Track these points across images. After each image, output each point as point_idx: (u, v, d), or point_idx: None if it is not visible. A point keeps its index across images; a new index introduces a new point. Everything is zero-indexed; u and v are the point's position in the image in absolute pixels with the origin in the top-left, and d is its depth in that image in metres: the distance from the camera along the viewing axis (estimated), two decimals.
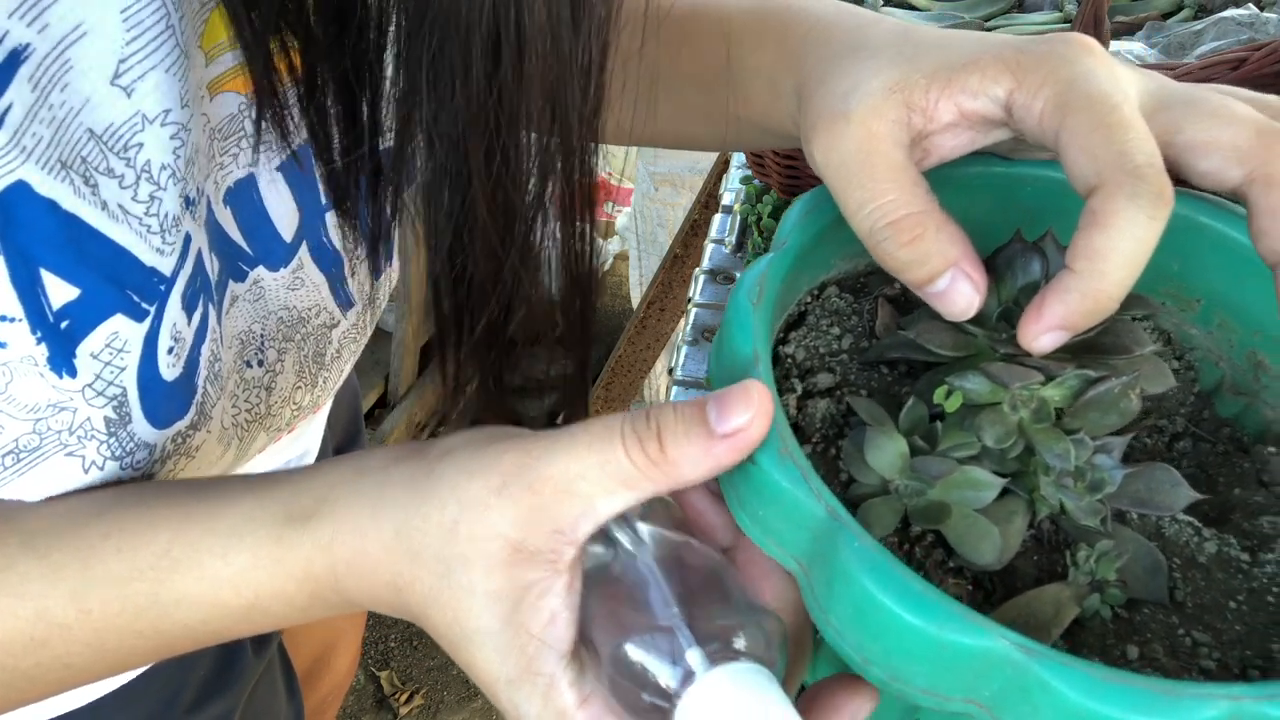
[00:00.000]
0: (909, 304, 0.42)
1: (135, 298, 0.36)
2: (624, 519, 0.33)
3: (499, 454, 0.32)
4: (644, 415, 0.32)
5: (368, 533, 0.33)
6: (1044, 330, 0.32)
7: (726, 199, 0.84)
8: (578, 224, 0.39)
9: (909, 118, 0.34)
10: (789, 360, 0.39)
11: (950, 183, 0.42)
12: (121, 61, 0.33)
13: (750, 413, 0.30)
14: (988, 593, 0.34)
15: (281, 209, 0.44)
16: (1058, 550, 0.35)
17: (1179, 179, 0.34)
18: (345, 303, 0.51)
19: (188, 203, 0.37)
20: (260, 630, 0.36)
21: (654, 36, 0.46)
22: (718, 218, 0.81)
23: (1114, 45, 0.72)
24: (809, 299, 0.41)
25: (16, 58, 0.30)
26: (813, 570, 0.31)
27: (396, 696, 1.66)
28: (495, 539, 0.31)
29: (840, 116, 0.34)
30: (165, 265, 0.37)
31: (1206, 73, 0.59)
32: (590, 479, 0.31)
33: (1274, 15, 0.69)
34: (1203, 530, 0.35)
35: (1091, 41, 0.34)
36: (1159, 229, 0.30)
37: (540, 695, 0.31)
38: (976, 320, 0.36)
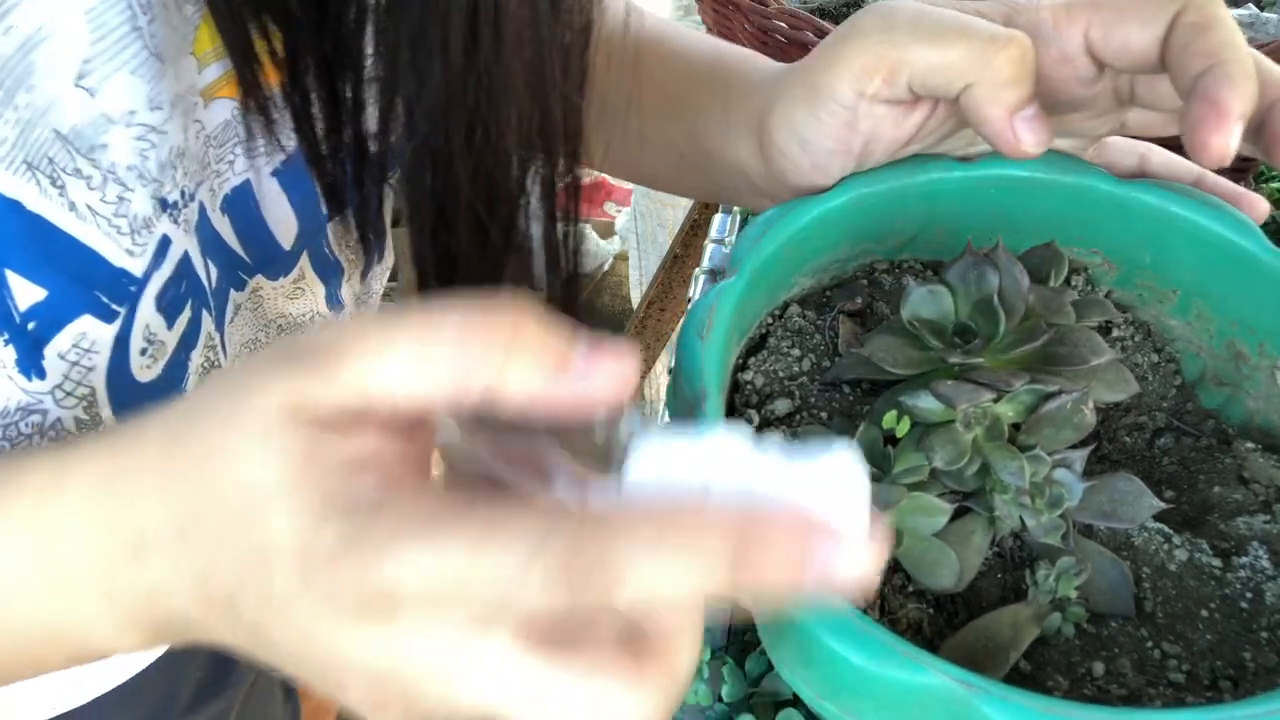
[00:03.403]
0: (870, 319, 0.41)
1: (104, 298, 0.36)
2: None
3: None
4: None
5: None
6: (1231, 125, 0.31)
7: None
8: (561, 220, 0.39)
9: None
10: (749, 387, 0.39)
11: (911, 192, 0.42)
12: (86, 62, 0.32)
13: (609, 377, 0.23)
14: (951, 615, 0.34)
15: (279, 215, 0.44)
16: (1023, 567, 0.34)
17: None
18: (337, 306, 0.51)
19: (164, 205, 0.37)
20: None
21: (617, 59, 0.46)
22: (718, 218, 0.81)
23: None
24: (770, 320, 0.41)
25: None
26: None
27: None
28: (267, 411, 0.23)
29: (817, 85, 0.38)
30: (136, 266, 0.36)
31: None
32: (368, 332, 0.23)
33: (1274, 15, 0.67)
34: (1173, 538, 0.34)
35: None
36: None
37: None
38: (934, 334, 0.36)
